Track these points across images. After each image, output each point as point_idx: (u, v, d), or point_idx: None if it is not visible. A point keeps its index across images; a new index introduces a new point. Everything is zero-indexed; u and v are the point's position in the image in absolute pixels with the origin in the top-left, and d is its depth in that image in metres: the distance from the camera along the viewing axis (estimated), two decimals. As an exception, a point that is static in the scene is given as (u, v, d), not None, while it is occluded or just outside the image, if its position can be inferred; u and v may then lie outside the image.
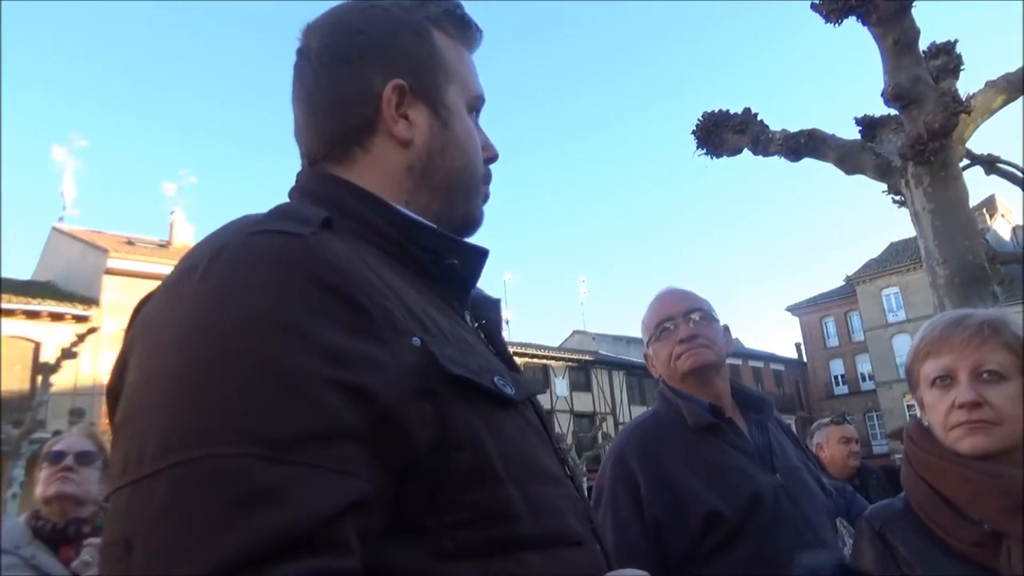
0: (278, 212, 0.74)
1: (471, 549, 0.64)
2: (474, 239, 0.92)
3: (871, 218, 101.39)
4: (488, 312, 0.92)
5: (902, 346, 38.42)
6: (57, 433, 2.20)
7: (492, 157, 0.95)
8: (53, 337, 20.78)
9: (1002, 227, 37.24)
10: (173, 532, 0.52)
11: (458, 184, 0.88)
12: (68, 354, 15.34)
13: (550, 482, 0.75)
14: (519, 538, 0.68)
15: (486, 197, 0.94)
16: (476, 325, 0.89)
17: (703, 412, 1.71)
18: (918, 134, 4.92)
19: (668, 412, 1.78)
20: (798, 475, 1.71)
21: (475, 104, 0.93)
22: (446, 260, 0.82)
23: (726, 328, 1.89)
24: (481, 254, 0.87)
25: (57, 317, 22.37)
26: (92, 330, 17.14)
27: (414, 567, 0.61)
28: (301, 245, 0.65)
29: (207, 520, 0.52)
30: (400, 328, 0.66)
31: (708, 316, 1.81)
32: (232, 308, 0.60)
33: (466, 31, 0.94)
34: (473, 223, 0.92)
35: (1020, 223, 37.12)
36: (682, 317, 1.80)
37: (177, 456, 0.54)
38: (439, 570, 0.62)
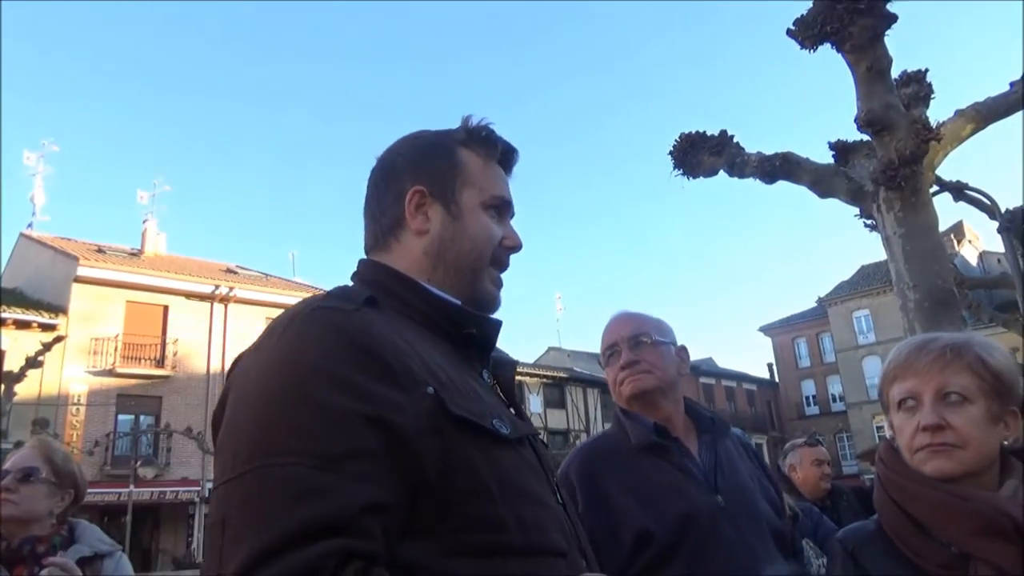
0: (335, 293, 1.01)
1: (468, 551, 0.85)
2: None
3: (843, 241, 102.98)
4: (504, 371, 1.15)
5: (872, 368, 38.98)
6: (19, 444, 2.13)
7: (512, 247, 1.17)
8: (18, 345, 20.34)
9: (969, 252, 38.02)
10: (251, 513, 0.77)
11: (467, 265, 1.11)
12: (33, 363, 14.98)
13: (539, 505, 0.95)
14: (508, 546, 0.87)
15: (499, 283, 1.16)
16: (492, 381, 1.10)
17: (646, 432, 1.73)
18: (890, 160, 5.01)
19: (617, 432, 1.81)
20: (745, 496, 1.70)
21: (493, 203, 1.15)
22: (465, 329, 1.06)
23: (682, 348, 1.89)
24: (496, 325, 1.11)
25: (23, 325, 21.93)
26: (59, 339, 16.77)
27: (425, 561, 0.82)
28: (347, 318, 0.90)
29: (273, 507, 0.76)
30: (417, 379, 0.88)
31: (654, 340, 1.82)
32: (296, 360, 0.86)
33: (490, 147, 1.17)
34: (485, 301, 1.13)
35: (986, 249, 37.94)
36: (625, 342, 1.81)
37: (256, 463, 0.79)
38: (444, 564, 0.83)
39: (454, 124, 1.19)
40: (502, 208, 1.17)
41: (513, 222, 1.21)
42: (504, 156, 1.20)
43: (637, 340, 1.81)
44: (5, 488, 1.93)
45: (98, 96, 66.68)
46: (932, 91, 5.95)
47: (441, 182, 1.12)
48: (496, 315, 1.14)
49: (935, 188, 6.39)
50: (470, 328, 1.07)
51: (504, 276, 1.18)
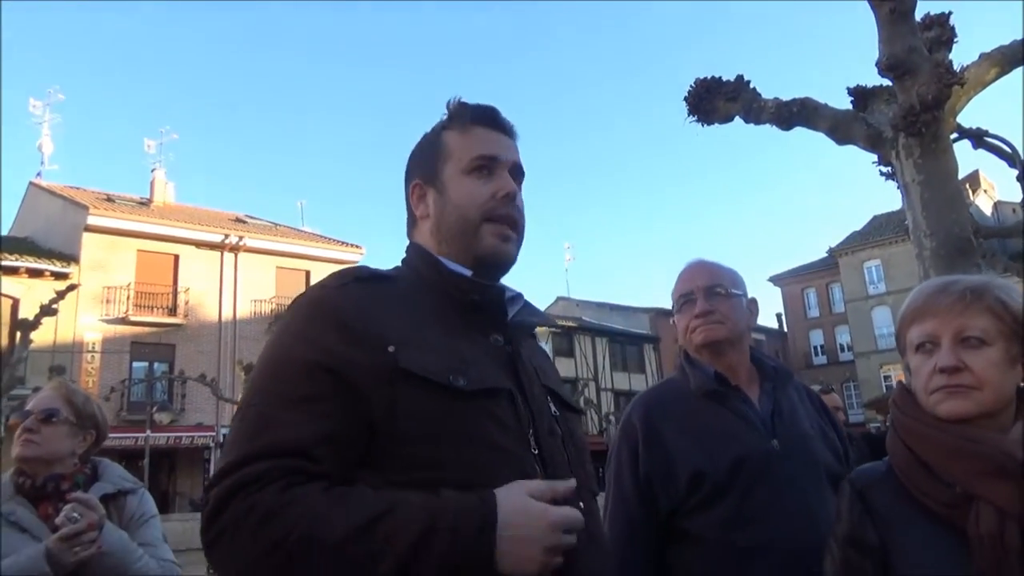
0: (339, 273, 1.17)
1: (408, 483, 0.98)
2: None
3: (855, 191, 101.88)
4: (521, 333, 1.27)
5: (881, 318, 38.95)
6: (37, 390, 2.16)
7: (505, 194, 1.23)
8: (32, 294, 20.53)
9: (984, 202, 37.56)
10: (231, 440, 1.01)
11: (457, 231, 1.22)
12: (47, 311, 15.13)
13: (494, 451, 1.05)
14: (443, 482, 0.99)
15: (505, 235, 1.24)
16: (503, 344, 1.20)
17: (706, 379, 1.81)
18: (911, 105, 4.89)
19: (679, 379, 1.90)
20: (802, 442, 1.76)
21: (474, 164, 1.24)
22: (469, 296, 1.18)
23: (752, 301, 1.94)
24: (495, 291, 1.22)
25: (36, 273, 22.10)
26: (72, 287, 16.90)
27: (373, 484, 0.98)
28: (326, 293, 1.12)
29: (245, 435, 1.01)
30: (377, 340, 1.05)
31: (728, 292, 1.87)
32: (284, 329, 1.11)
33: (462, 117, 1.27)
34: (492, 258, 1.22)
35: (1001, 199, 37.44)
36: (701, 292, 1.86)
37: (243, 405, 1.05)
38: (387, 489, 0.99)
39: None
40: (489, 165, 1.24)
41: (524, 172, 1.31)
42: (480, 118, 1.27)
43: (713, 290, 1.86)
44: (27, 429, 1.97)
45: (103, 43, 65.85)
46: (955, 34, 5.78)
47: (430, 169, 1.27)
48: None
49: (955, 135, 6.25)
50: (474, 295, 1.18)
51: (525, 222, 1.28)
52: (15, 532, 1.85)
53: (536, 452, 1.10)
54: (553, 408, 1.21)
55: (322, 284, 1.15)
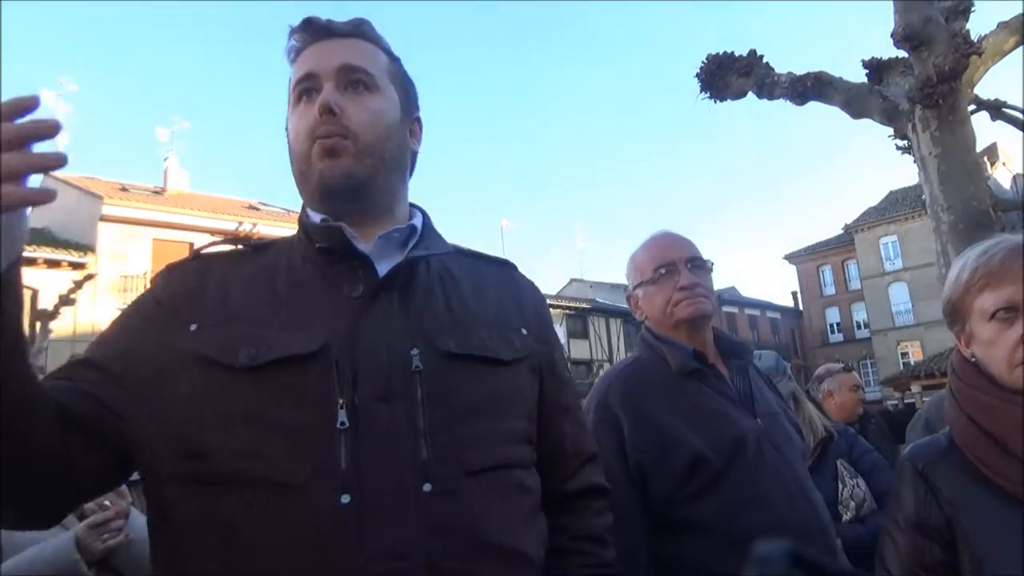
0: (210, 243, 1.12)
1: (179, 477, 0.91)
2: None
3: (870, 167, 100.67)
4: (397, 283, 1.03)
5: (898, 294, 38.60)
6: None
7: (321, 109, 1.03)
8: (50, 284, 20.74)
9: (1003, 175, 36.99)
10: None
11: (298, 174, 1.07)
12: (66, 301, 15.32)
13: (275, 433, 0.90)
14: (207, 473, 0.90)
15: (328, 150, 1.03)
16: (361, 292, 1.00)
17: (687, 357, 1.69)
18: (927, 76, 4.83)
19: (651, 358, 1.75)
20: (777, 420, 1.71)
21: (295, 95, 1.08)
22: (317, 245, 1.04)
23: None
24: (335, 230, 1.02)
25: (54, 264, 22.28)
26: (89, 277, 17.10)
27: (158, 488, 0.94)
28: (159, 275, 1.09)
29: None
30: (180, 317, 0.99)
31: (706, 265, 1.78)
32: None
33: (289, 48, 1.11)
34: (326, 184, 1.03)
35: (1021, 171, 36.85)
36: (684, 263, 1.74)
37: None
38: (165, 491, 0.93)
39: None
40: (310, 86, 1.06)
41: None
42: (298, 38, 1.10)
43: (695, 262, 1.76)
44: None
45: (114, 33, 65.97)
46: (972, 3, 5.67)
47: (286, 119, 1.13)
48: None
49: (972, 107, 6.15)
50: (320, 243, 1.04)
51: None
52: None
53: (345, 425, 0.91)
54: (416, 362, 0.96)
55: (188, 256, 1.10)
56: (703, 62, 5.98)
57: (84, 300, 20.35)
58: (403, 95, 1.13)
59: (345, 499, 0.88)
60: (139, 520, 1.86)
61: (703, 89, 6.00)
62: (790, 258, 47.06)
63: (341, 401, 0.92)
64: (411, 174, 1.18)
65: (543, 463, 1.10)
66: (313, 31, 1.09)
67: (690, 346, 1.71)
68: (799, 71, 5.75)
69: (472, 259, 1.20)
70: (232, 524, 0.89)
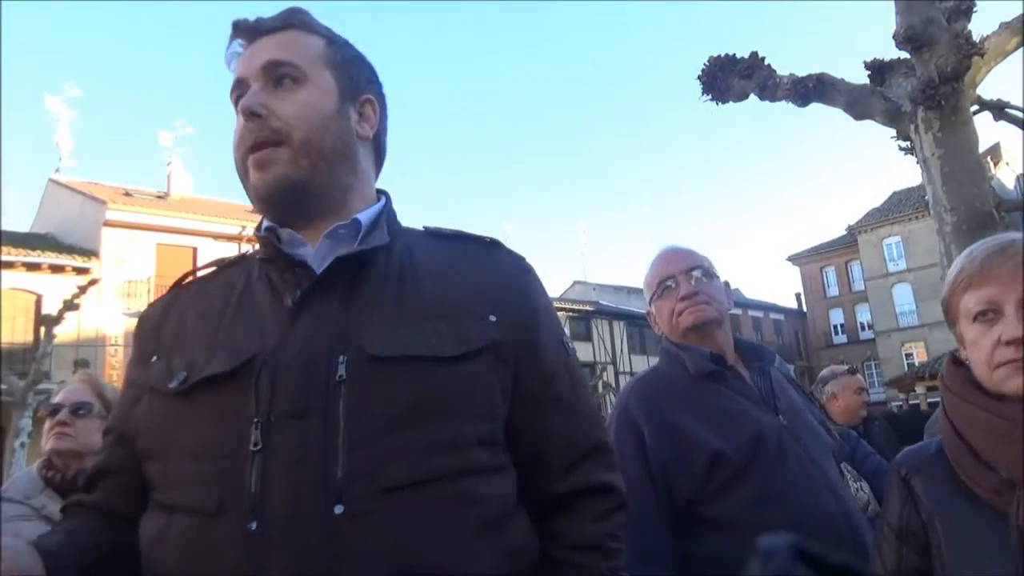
0: (182, 276, 1.13)
1: (150, 506, 0.93)
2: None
3: (873, 167, 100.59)
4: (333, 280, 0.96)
5: (902, 295, 38.52)
6: (62, 383, 2.17)
7: (244, 115, 0.98)
8: (54, 289, 20.78)
9: (1006, 175, 36.90)
10: None
11: (243, 184, 1.02)
12: (70, 306, 15.35)
13: (193, 460, 0.88)
14: (159, 504, 0.92)
15: (259, 162, 0.98)
16: (298, 298, 0.94)
17: (704, 360, 1.75)
18: (929, 78, 4.82)
19: (671, 364, 1.83)
20: (801, 417, 1.74)
21: (234, 97, 1.02)
22: (260, 257, 1.02)
23: (726, 284, 1.92)
24: (266, 239, 1.00)
25: (57, 269, 22.33)
26: (93, 282, 17.12)
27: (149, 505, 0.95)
28: (144, 311, 1.11)
29: None
30: (147, 352, 1.02)
31: (708, 273, 1.84)
32: None
33: (227, 57, 1.06)
34: (262, 192, 0.98)
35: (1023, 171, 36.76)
36: (683, 275, 1.82)
37: None
38: (144, 521, 0.94)
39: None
40: (239, 94, 1.02)
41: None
42: (240, 44, 1.05)
43: (693, 273, 1.83)
44: (61, 422, 1.97)
45: (117, 39, 66.16)
46: (975, 4, 5.66)
47: None
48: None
49: (975, 107, 6.14)
50: (263, 254, 1.01)
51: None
52: (48, 526, 1.85)
53: (257, 446, 0.85)
54: (342, 371, 0.88)
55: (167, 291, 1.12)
56: (704, 64, 5.97)
57: (88, 305, 20.38)
58: (343, 78, 1.04)
59: (252, 526, 0.82)
60: None
61: (705, 91, 5.99)
62: (793, 259, 47.01)
63: (256, 420, 0.86)
64: (380, 160, 1.12)
65: (527, 462, 0.99)
66: (243, 34, 1.04)
67: (707, 349, 1.77)
68: (801, 73, 5.75)
69: (447, 241, 1.08)
70: (161, 555, 0.88)
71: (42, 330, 15.56)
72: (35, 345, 17.59)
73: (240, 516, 0.83)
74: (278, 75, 1.00)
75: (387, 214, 1.07)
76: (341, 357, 0.89)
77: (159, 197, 28.33)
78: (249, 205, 1.01)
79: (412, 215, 1.21)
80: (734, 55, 5.96)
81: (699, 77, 6.03)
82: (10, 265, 21.47)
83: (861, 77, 5.92)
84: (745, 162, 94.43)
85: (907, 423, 3.94)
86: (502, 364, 0.97)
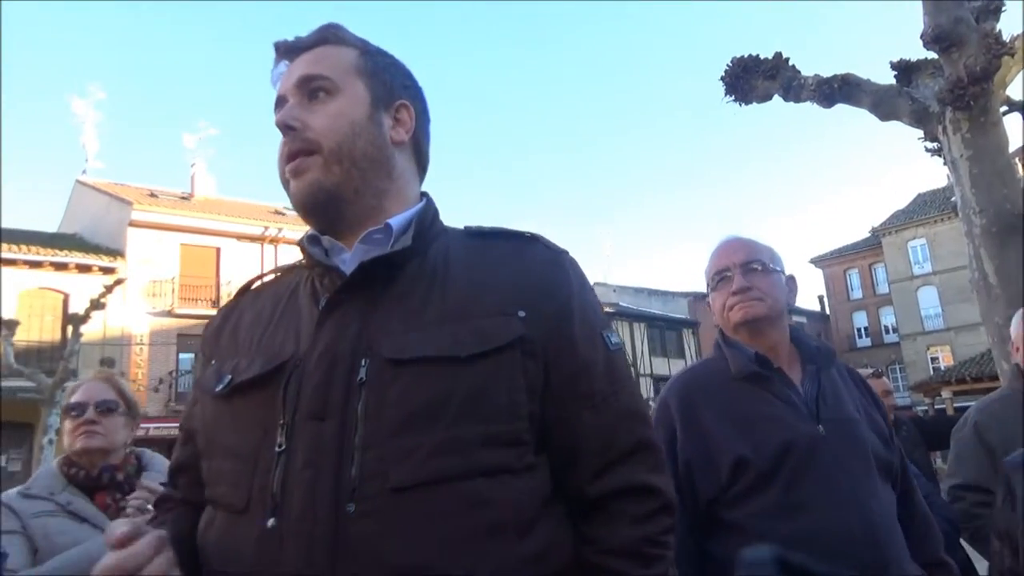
0: (246, 283, 1.18)
1: (208, 500, 0.99)
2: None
3: (898, 169, 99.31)
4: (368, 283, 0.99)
5: (928, 298, 37.99)
6: (76, 382, 2.17)
7: (280, 129, 1.03)
8: (81, 288, 21.10)
9: (1035, 177, 36.29)
10: None
11: (286, 193, 1.06)
12: (97, 305, 15.58)
13: (226, 459, 0.96)
14: (212, 497, 0.97)
15: (295, 171, 1.02)
16: (326, 303, 0.98)
17: (747, 361, 1.71)
18: (958, 78, 4.75)
19: (717, 360, 1.80)
20: (847, 427, 1.67)
21: (276, 113, 1.06)
22: (301, 262, 1.08)
23: (791, 278, 1.85)
24: (302, 248, 1.05)
25: (84, 269, 22.67)
26: (119, 281, 17.37)
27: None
28: (212, 319, 1.16)
29: None
30: (208, 357, 1.08)
31: (767, 267, 1.78)
32: None
33: (272, 78, 1.11)
34: (299, 201, 1.03)
35: (1054, 172, 36.08)
36: (739, 268, 1.77)
37: None
38: (206, 512, 0.99)
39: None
40: (280, 109, 1.06)
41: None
42: (275, 66, 1.11)
43: (750, 266, 1.77)
44: (89, 420, 1.99)
45: (141, 41, 67.09)
46: (1003, 3, 5.57)
47: None
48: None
49: (1005, 108, 6.05)
50: (305, 260, 1.06)
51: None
52: (74, 522, 1.85)
53: (282, 447, 0.89)
54: (362, 374, 0.90)
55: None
56: (728, 65, 5.93)
57: (114, 304, 20.68)
58: (377, 86, 1.07)
59: (271, 523, 0.86)
60: None
61: (728, 92, 5.95)
62: (816, 262, 46.54)
63: (282, 422, 0.90)
64: (421, 164, 1.14)
65: (559, 462, 0.97)
66: (284, 54, 1.09)
67: (752, 349, 1.73)
68: (825, 74, 5.69)
69: (485, 239, 1.08)
70: (203, 547, 0.95)
71: (69, 329, 15.81)
72: (63, 343, 17.86)
73: (262, 514, 0.87)
74: (312, 88, 1.04)
75: (423, 216, 1.07)
76: (363, 360, 0.91)
77: (183, 198, 28.65)
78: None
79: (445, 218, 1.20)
80: (758, 56, 5.91)
81: (722, 78, 5.99)
82: (38, 264, 21.86)
83: (888, 77, 5.86)
84: (767, 163, 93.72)
85: (934, 429, 3.87)
86: (530, 360, 0.95)
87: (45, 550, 1.76)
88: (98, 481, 1.96)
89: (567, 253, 1.10)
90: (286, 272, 1.14)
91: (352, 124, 1.02)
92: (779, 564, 0.87)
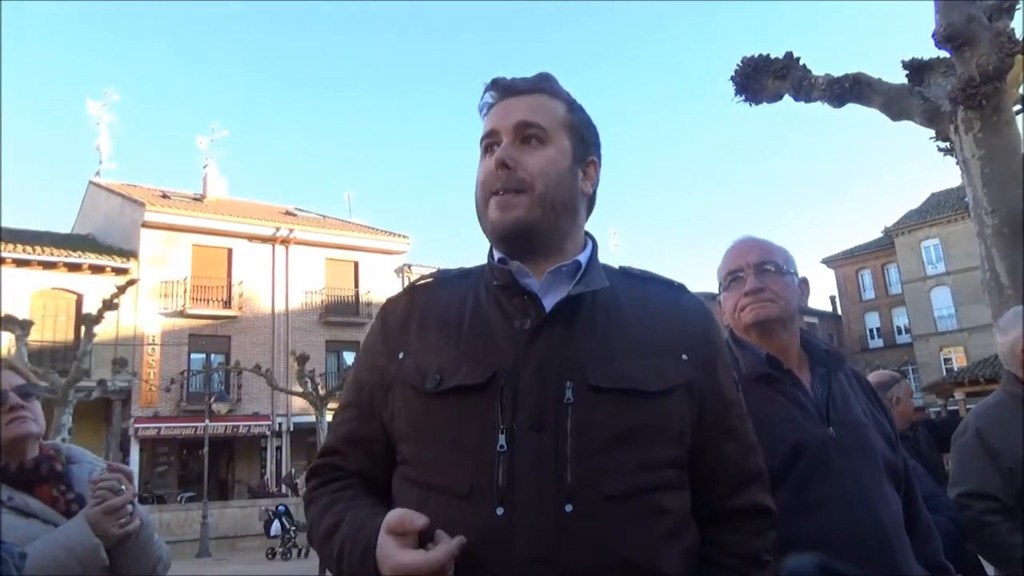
0: (424, 276, 1.31)
1: (408, 480, 1.13)
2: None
3: (911, 169, 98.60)
4: (558, 319, 1.14)
5: (941, 299, 37.74)
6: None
7: (497, 164, 1.17)
8: (95, 289, 21.27)
9: (1050, 176, 35.98)
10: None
11: (480, 218, 1.21)
12: (109, 305, 15.68)
13: (455, 451, 1.08)
14: (424, 482, 1.10)
15: (504, 204, 1.16)
16: (528, 325, 1.13)
17: (758, 362, 1.71)
18: (970, 77, 4.70)
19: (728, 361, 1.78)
20: (857, 430, 1.67)
21: (483, 148, 1.23)
22: (494, 282, 1.18)
23: (803, 281, 1.84)
24: (505, 271, 1.17)
25: (98, 269, 22.88)
26: (132, 282, 17.47)
27: (394, 485, 1.18)
28: (388, 303, 1.29)
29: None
30: (395, 346, 1.20)
31: (780, 268, 1.78)
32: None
33: (481, 105, 1.26)
34: (499, 232, 1.17)
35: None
36: (752, 268, 1.77)
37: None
38: (399, 487, 1.16)
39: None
40: (492, 142, 1.21)
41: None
42: (489, 95, 1.25)
43: (763, 267, 1.77)
44: (17, 406, 1.77)
45: (154, 43, 67.48)
46: (1017, 1, 5.53)
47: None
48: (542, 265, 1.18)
49: (1018, 107, 6.00)
50: (495, 281, 1.18)
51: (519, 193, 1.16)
52: (20, 518, 1.67)
53: (504, 450, 1.05)
54: (569, 395, 1.07)
55: (403, 290, 1.30)
56: (738, 65, 5.90)
57: (126, 305, 20.83)
58: (577, 142, 1.23)
59: (500, 511, 1.02)
60: (140, 507, 1.75)
61: (738, 92, 5.92)
62: (828, 262, 46.32)
63: (502, 426, 1.06)
64: (590, 210, 1.29)
65: (701, 481, 1.16)
66: (500, 90, 1.24)
67: (764, 351, 1.72)
68: (836, 73, 5.66)
69: (640, 282, 1.26)
70: None
71: (82, 329, 15.91)
72: (76, 343, 17.99)
73: (490, 501, 1.03)
74: (527, 135, 1.19)
75: (595, 255, 1.25)
76: (568, 383, 1.08)
77: (195, 199, 28.82)
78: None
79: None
80: (768, 55, 5.88)
81: (732, 78, 5.95)
82: (52, 265, 22.05)
83: (899, 77, 5.82)
84: (779, 163, 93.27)
85: (945, 431, 3.85)
86: (692, 398, 1.15)
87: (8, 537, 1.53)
88: (35, 474, 1.77)
89: (705, 303, 1.30)
90: (453, 277, 1.27)
91: (559, 173, 1.18)
92: (822, 572, 0.89)
